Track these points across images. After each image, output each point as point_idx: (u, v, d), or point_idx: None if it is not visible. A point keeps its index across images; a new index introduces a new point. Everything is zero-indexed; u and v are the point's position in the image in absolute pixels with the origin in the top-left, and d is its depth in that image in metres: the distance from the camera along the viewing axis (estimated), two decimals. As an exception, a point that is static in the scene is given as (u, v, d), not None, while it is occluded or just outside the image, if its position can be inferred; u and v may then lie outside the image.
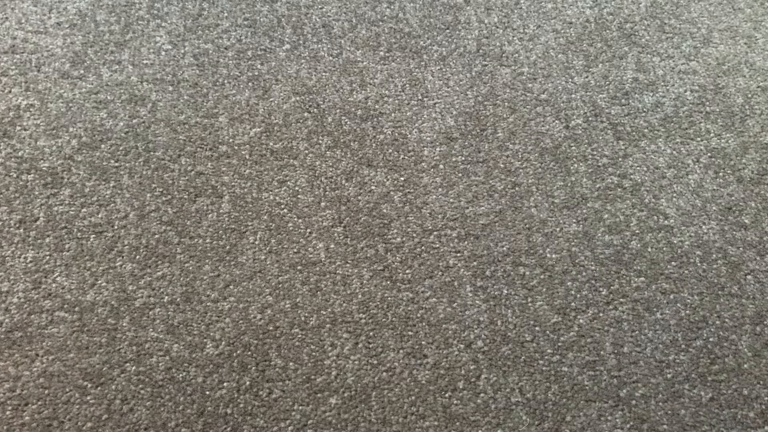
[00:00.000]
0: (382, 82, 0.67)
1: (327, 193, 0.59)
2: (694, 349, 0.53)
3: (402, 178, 0.60)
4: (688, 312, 0.54)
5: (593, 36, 0.71)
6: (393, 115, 0.64)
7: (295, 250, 0.56)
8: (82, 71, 0.66)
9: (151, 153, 0.61)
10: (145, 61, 0.67)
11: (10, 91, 0.64)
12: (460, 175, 0.61)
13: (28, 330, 0.52)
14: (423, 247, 0.57)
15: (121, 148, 0.61)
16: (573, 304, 0.54)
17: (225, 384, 0.50)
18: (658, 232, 0.58)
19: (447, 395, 0.49)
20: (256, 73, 0.67)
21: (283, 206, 0.58)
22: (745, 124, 0.65)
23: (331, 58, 0.68)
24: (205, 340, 0.52)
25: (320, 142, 0.62)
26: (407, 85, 0.66)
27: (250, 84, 0.66)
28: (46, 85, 0.65)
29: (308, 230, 0.57)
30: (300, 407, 0.50)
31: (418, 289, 0.55)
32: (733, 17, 0.73)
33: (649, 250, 0.57)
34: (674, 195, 0.60)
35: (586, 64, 0.69)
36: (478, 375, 0.51)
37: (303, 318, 0.53)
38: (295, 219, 0.58)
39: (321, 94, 0.66)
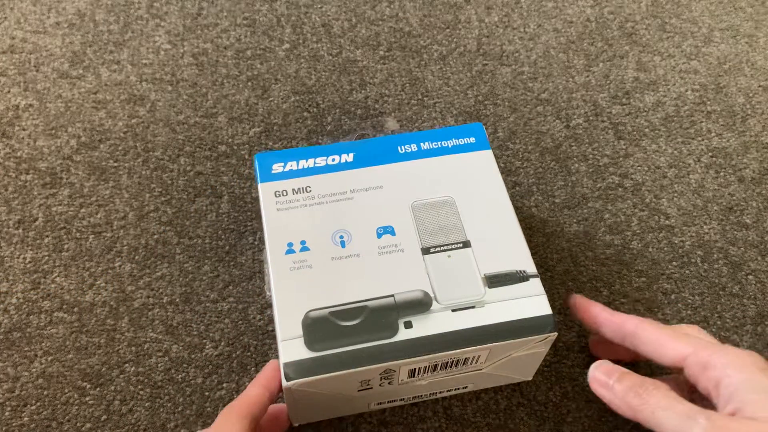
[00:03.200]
0: (382, 82, 0.66)
1: (327, 193, 0.59)
2: (696, 350, 0.52)
3: (402, 178, 0.60)
4: (689, 312, 0.54)
5: (594, 35, 0.71)
6: (393, 114, 0.64)
7: (295, 251, 0.56)
8: (80, 71, 0.66)
9: (150, 153, 0.61)
10: (144, 61, 0.66)
11: (8, 91, 0.64)
12: (460, 174, 0.61)
13: (27, 330, 0.52)
14: (423, 247, 0.56)
15: (120, 148, 0.61)
16: (574, 304, 0.54)
17: (224, 385, 0.50)
18: (659, 232, 0.58)
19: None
20: (256, 73, 0.66)
21: (282, 206, 0.58)
22: (747, 123, 0.65)
23: (330, 57, 0.68)
24: (204, 341, 0.51)
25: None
26: (407, 85, 0.66)
27: (249, 83, 0.66)
28: (44, 85, 0.64)
29: (308, 230, 0.57)
30: (300, 408, 0.49)
31: (418, 289, 0.54)
32: (735, 16, 0.72)
33: (650, 250, 0.57)
34: (675, 195, 0.60)
35: (587, 63, 0.68)
36: (479, 376, 0.50)
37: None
38: (295, 219, 0.57)
39: (320, 93, 0.65)
